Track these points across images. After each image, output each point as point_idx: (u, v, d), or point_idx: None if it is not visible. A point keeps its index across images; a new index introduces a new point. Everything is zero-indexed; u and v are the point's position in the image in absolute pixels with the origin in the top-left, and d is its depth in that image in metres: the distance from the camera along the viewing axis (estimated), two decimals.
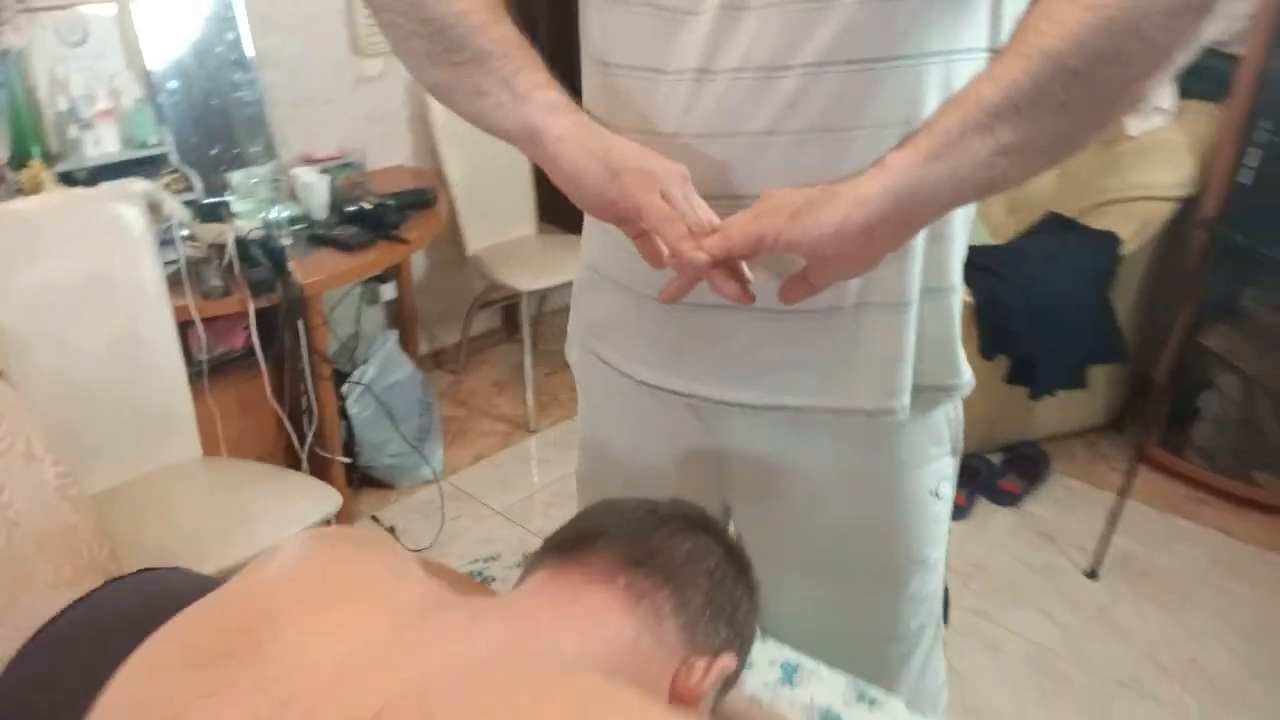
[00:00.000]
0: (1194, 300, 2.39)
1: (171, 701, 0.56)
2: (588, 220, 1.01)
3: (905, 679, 1.08)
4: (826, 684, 0.98)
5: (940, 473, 1.00)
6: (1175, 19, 0.63)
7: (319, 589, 0.63)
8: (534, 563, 0.77)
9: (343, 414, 2.34)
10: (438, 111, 2.84)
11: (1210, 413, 2.54)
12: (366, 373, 2.42)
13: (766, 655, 1.00)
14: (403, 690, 0.55)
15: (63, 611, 0.80)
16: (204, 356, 1.99)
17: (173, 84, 2.35)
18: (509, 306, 3.41)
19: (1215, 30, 0.64)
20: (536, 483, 2.64)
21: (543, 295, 3.08)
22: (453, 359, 3.22)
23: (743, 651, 0.81)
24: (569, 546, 0.77)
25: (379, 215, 2.32)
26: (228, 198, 2.30)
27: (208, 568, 1.50)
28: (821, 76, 0.76)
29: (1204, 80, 2.45)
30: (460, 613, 0.67)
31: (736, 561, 0.82)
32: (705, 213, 0.76)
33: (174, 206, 1.95)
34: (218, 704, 0.55)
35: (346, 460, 2.31)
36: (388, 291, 2.90)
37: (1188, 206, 2.51)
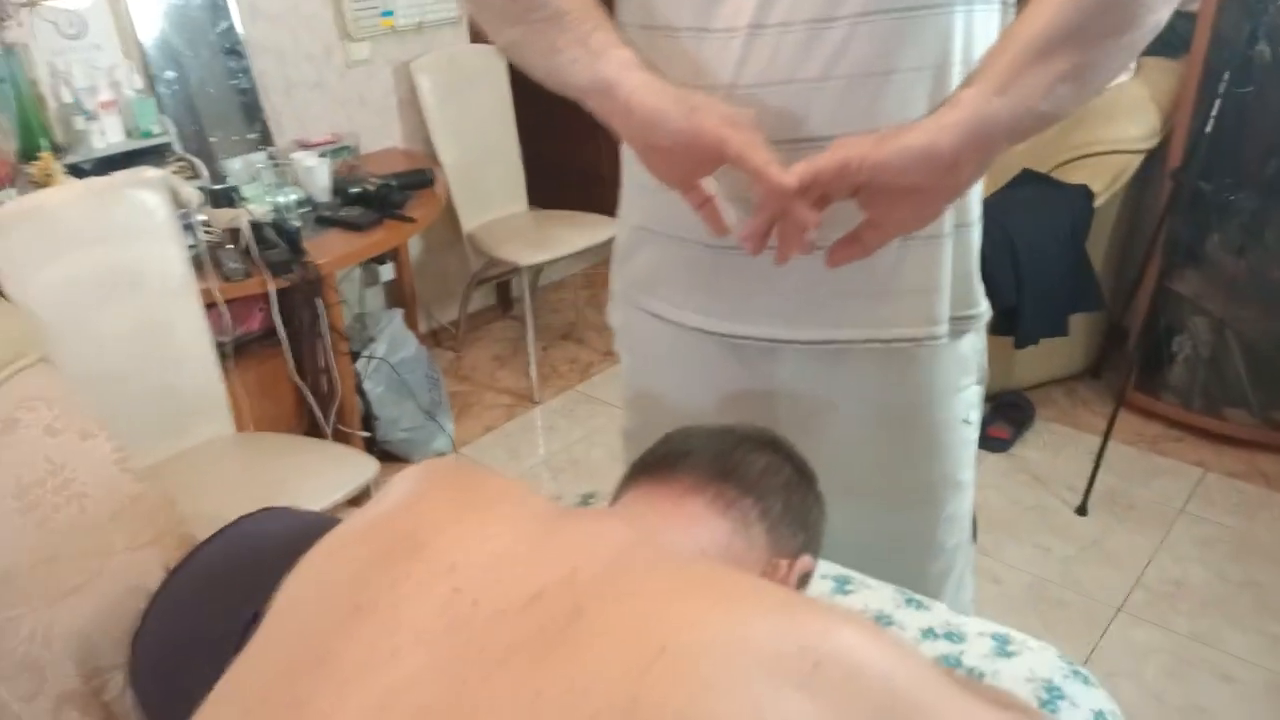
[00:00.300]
0: (1163, 248, 2.52)
1: (360, 584, 0.63)
2: (628, 187, 1.08)
3: (945, 594, 1.18)
4: (876, 593, 1.08)
5: (969, 400, 1.10)
6: None
7: (463, 501, 0.71)
8: (627, 482, 0.85)
9: (358, 390, 2.40)
10: (428, 93, 2.89)
11: (1183, 355, 2.68)
12: (379, 349, 2.48)
13: (819, 570, 1.10)
14: (555, 576, 0.63)
15: (205, 542, 0.87)
16: (229, 338, 2.04)
17: (170, 74, 2.38)
18: (503, 283, 3.48)
19: None
20: (544, 451, 2.72)
21: (538, 270, 3.14)
22: (451, 336, 3.28)
23: (816, 553, 0.90)
24: (660, 466, 0.85)
25: (383, 195, 2.37)
26: (236, 183, 2.34)
27: None
28: (864, 24, 0.84)
29: (1163, 38, 2.56)
30: (584, 520, 0.75)
31: (804, 474, 0.91)
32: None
33: (190, 193, 1.99)
34: (399, 590, 0.63)
35: (366, 435, 2.38)
36: (386, 272, 2.96)
37: (1153, 158, 2.64)
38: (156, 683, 0.80)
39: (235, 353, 2.14)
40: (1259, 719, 1.80)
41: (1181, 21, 2.56)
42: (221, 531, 0.86)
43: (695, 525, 0.77)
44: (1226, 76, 2.23)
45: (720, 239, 0.92)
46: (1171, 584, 2.12)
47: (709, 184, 0.85)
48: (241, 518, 0.88)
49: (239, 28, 2.49)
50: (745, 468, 0.84)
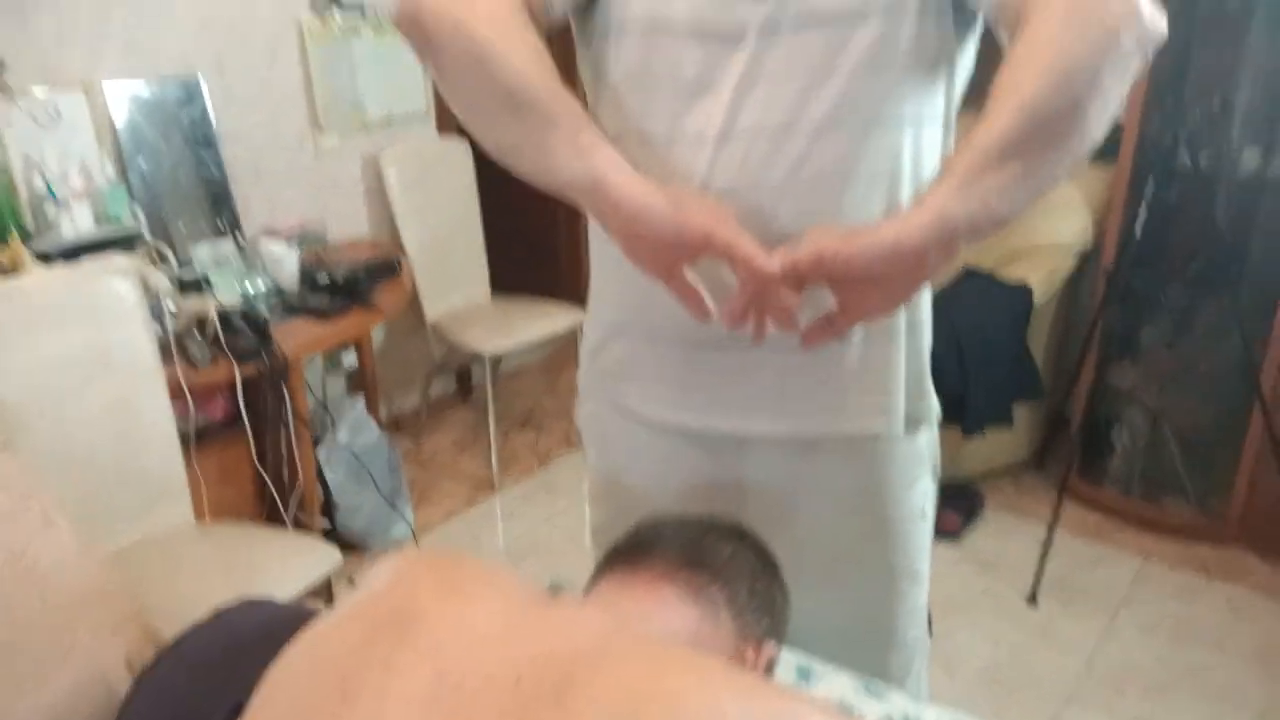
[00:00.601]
0: (1099, 341, 2.64)
1: (348, 668, 0.66)
2: (600, 283, 1.14)
3: (906, 686, 1.21)
4: (837, 680, 1.11)
5: (925, 493, 1.16)
6: (1098, 66, 0.80)
7: (448, 584, 0.74)
8: (602, 569, 0.89)
9: (318, 478, 2.40)
10: (394, 183, 2.97)
11: (1121, 445, 2.79)
12: (340, 436, 2.49)
13: (783, 657, 1.13)
14: (538, 659, 0.67)
15: (189, 631, 0.88)
16: (191, 425, 2.05)
17: (142, 162, 2.43)
18: (463, 370, 3.52)
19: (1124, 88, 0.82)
20: (505, 537, 2.73)
21: (498, 358, 3.19)
22: (412, 423, 3.29)
23: (781, 638, 0.94)
24: (631, 554, 0.89)
25: (351, 284, 2.42)
26: (205, 272, 2.37)
27: None
28: (824, 136, 0.92)
29: None
30: (564, 606, 0.79)
31: (768, 562, 0.96)
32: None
33: (160, 281, 2.02)
34: (386, 673, 0.66)
35: (326, 523, 2.37)
36: (349, 359, 2.98)
37: (1088, 256, 2.79)
38: None
39: (197, 439, 2.14)
40: None
41: (1110, 129, 2.74)
42: (204, 622, 0.87)
43: (667, 610, 0.82)
44: (1152, 182, 2.38)
45: (693, 334, 0.98)
46: (1118, 670, 2.17)
47: (689, 273, 0.90)
48: (222, 609, 0.90)
49: (213, 117, 2.55)
50: (713, 556, 0.89)
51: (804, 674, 1.12)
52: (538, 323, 2.99)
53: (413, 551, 0.80)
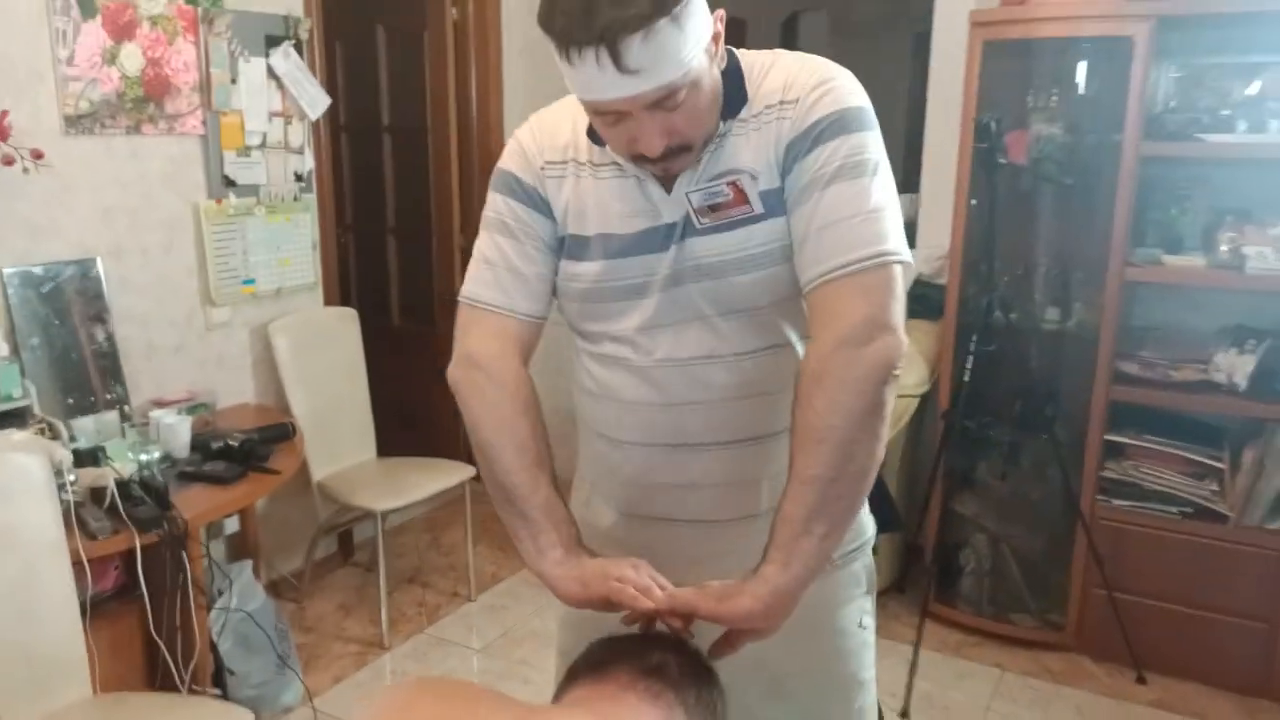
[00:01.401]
0: (943, 475, 2.96)
1: None
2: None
3: None
4: None
5: (862, 607, 1.34)
6: (868, 423, 1.04)
7: (450, 706, 0.86)
8: (568, 681, 1.02)
9: (210, 646, 2.38)
10: (284, 351, 3.06)
11: (970, 568, 3.08)
12: (230, 602, 2.49)
13: None
14: None
15: None
16: (88, 597, 2.03)
17: (35, 340, 2.46)
18: (344, 531, 3.53)
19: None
20: None
21: (384, 516, 3.23)
22: (293, 586, 3.27)
23: None
24: (596, 665, 1.03)
25: (247, 449, 2.47)
26: (88, 443, 2.38)
27: None
28: (742, 361, 1.20)
29: (925, 304, 3.14)
30: (553, 711, 0.92)
31: (710, 670, 1.11)
32: (653, 575, 1.09)
33: (63, 455, 2.04)
34: None
35: (217, 692, 2.34)
36: (231, 525, 2.98)
37: (927, 400, 3.14)
38: None
39: (90, 611, 2.11)
40: None
41: (935, 291, 3.15)
42: None
43: (634, 714, 0.95)
44: (975, 337, 2.76)
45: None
46: None
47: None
48: None
49: (107, 297, 2.62)
50: (666, 666, 1.04)
51: None
52: (426, 479, 3.08)
53: (412, 679, 0.92)
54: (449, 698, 0.88)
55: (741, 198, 1.15)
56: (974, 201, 2.88)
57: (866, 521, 1.33)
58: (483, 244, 1.25)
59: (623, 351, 1.22)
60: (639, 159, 1.11)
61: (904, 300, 1.09)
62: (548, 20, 1.01)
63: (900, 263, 1.08)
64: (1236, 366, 2.62)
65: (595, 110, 1.09)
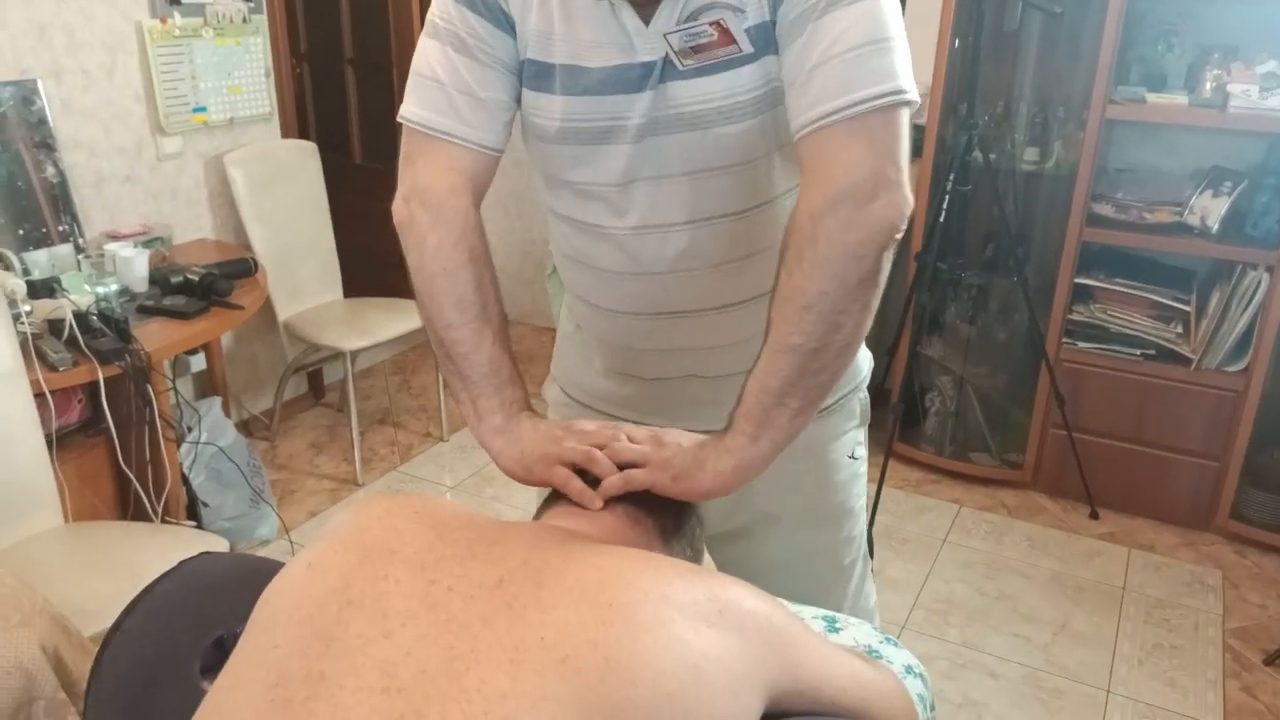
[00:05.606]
0: (913, 319, 2.97)
1: (348, 584, 0.76)
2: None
3: (845, 600, 1.40)
4: (862, 631, 1.23)
5: (854, 439, 1.34)
6: (861, 292, 0.94)
7: (423, 516, 0.85)
8: (548, 503, 1.02)
9: (182, 479, 2.38)
10: (240, 185, 2.95)
11: (934, 409, 3.14)
12: (200, 438, 2.48)
13: (808, 613, 1.19)
14: (513, 564, 0.79)
15: (156, 581, 0.94)
16: (53, 429, 2.01)
17: None
18: (314, 372, 3.51)
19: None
20: None
21: (353, 357, 3.21)
22: (264, 426, 3.27)
23: (699, 562, 1.10)
24: None
25: (208, 284, 2.41)
26: (43, 275, 2.31)
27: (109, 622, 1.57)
28: (729, 223, 1.11)
29: None
30: (527, 526, 0.92)
31: (689, 503, 1.11)
32: (597, 435, 1.01)
33: (16, 284, 1.97)
34: (383, 587, 0.76)
35: (192, 523, 2.36)
36: (198, 362, 2.94)
37: (900, 243, 3.11)
38: (116, 712, 0.87)
39: (55, 444, 2.09)
40: (1019, 705, 2.15)
41: (914, 131, 3.07)
42: (168, 573, 0.94)
43: (611, 535, 0.96)
44: (951, 177, 2.71)
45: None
46: (942, 602, 2.48)
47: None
48: (183, 561, 0.96)
49: (51, 123, 2.48)
50: (644, 493, 1.04)
51: (830, 623, 1.24)
52: (393, 319, 3.04)
53: (379, 494, 0.91)
54: (422, 507, 0.87)
55: (727, 37, 1.01)
56: (957, 43, 2.78)
57: (863, 360, 1.32)
58: (431, 55, 1.08)
59: (594, 212, 1.12)
60: None
61: (909, 148, 0.96)
62: None
63: (908, 103, 0.95)
64: (1210, 209, 2.61)
65: None
